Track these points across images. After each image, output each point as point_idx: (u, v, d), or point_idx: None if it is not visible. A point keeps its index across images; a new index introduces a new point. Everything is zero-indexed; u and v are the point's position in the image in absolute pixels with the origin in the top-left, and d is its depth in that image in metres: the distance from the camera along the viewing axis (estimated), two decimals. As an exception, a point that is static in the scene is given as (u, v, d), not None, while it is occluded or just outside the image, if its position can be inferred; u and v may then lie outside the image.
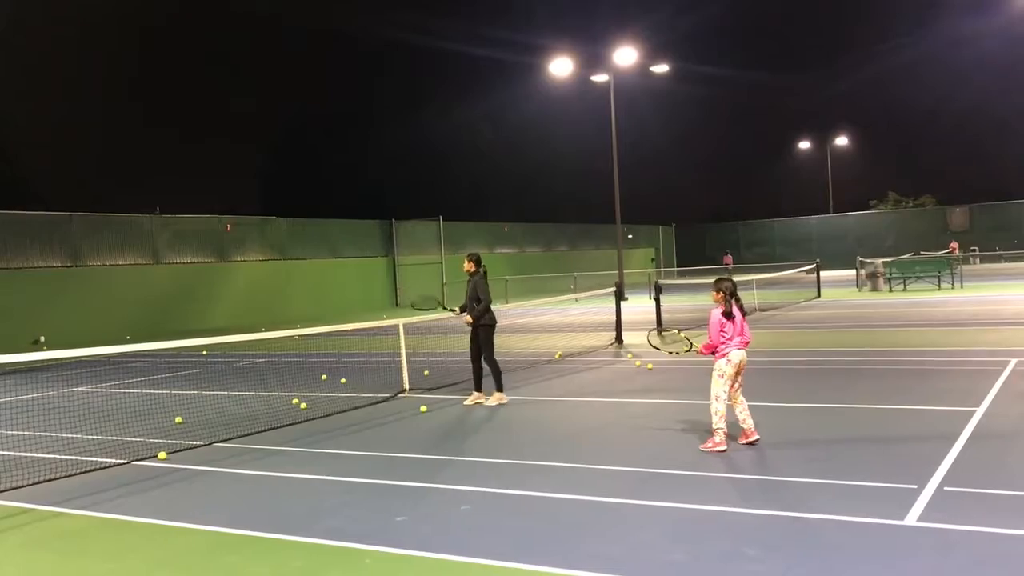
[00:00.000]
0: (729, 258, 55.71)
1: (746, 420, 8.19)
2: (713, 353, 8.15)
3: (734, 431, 8.26)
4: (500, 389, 11.25)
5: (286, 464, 8.43)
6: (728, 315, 8.10)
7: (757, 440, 8.11)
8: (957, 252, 49.52)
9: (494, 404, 11.06)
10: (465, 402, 11.28)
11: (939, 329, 17.82)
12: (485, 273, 11.41)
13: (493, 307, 11.27)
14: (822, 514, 6.00)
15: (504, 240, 48.89)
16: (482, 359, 11.27)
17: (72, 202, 35.50)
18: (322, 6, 72.21)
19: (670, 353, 9.49)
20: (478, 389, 11.35)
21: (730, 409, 8.14)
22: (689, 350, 8.63)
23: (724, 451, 7.89)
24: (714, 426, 7.99)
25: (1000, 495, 6.24)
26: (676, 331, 9.10)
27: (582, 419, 10.08)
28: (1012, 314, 19.87)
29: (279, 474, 8.06)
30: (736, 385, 8.12)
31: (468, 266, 11.37)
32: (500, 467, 7.87)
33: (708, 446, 7.97)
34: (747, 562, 5.21)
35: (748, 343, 8.19)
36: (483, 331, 11.21)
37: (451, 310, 12.05)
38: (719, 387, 8.03)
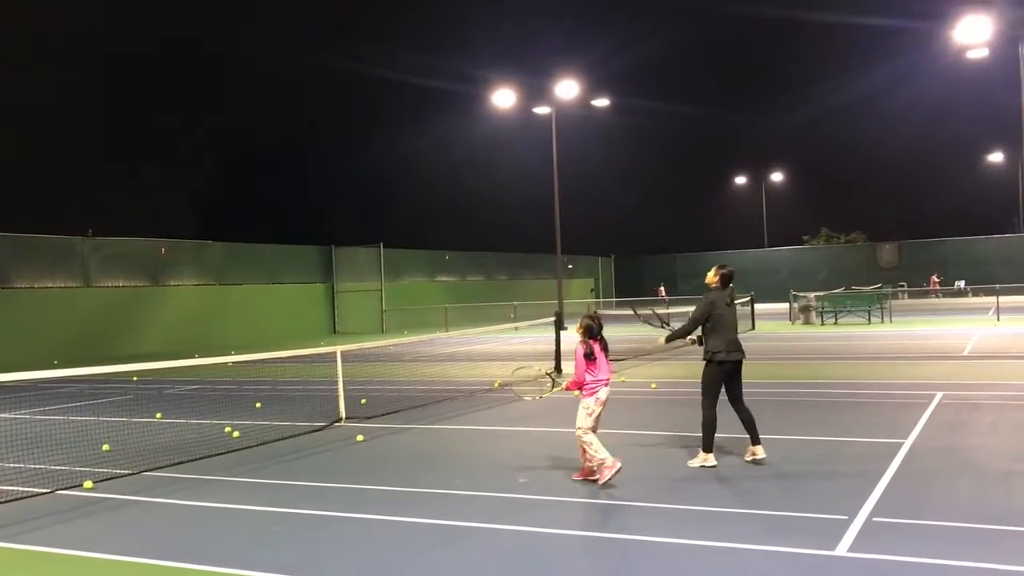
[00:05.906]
0: (662, 290, 56.02)
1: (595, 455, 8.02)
2: (580, 389, 8.13)
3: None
4: (704, 448, 8.57)
5: (216, 494, 8.24)
6: (589, 356, 8.11)
7: (611, 476, 7.81)
8: (938, 285, 51.33)
9: (695, 465, 8.55)
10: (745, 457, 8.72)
11: (868, 362, 18.25)
12: (731, 296, 8.73)
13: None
14: (753, 544, 6.06)
15: (445, 268, 48.84)
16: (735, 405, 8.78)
17: (-2, 222, 34.47)
18: (264, 31, 71.80)
19: (532, 398, 9.23)
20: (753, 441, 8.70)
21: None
22: (552, 389, 8.54)
23: (620, 468, 7.76)
24: (598, 456, 7.85)
25: (928, 525, 6.39)
26: (541, 370, 9.01)
27: (512, 448, 10.03)
28: (938, 348, 20.45)
29: (209, 504, 7.87)
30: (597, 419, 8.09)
31: (711, 278, 8.75)
32: (429, 497, 7.80)
33: (607, 475, 7.77)
34: (682, 593, 5.22)
35: (609, 380, 8.20)
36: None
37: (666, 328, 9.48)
38: (587, 423, 7.97)
